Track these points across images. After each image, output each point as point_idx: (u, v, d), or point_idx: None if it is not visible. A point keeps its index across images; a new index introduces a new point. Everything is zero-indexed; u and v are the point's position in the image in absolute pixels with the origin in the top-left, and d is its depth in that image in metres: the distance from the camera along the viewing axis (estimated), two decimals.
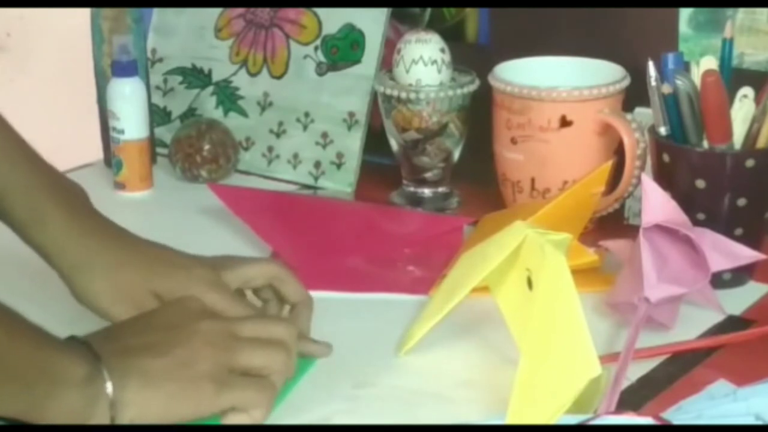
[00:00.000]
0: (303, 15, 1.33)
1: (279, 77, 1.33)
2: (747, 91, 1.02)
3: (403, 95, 1.19)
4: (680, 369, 0.91)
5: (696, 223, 1.00)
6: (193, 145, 1.29)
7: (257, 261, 0.96)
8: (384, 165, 1.28)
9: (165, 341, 0.82)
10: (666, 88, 1.01)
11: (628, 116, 1.12)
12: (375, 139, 1.28)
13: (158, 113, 1.38)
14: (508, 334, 0.88)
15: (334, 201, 1.23)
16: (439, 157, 1.22)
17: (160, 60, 1.40)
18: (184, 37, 1.39)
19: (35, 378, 0.76)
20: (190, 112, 1.38)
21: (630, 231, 1.06)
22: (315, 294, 0.96)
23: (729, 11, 1.16)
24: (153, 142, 1.32)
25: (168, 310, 0.87)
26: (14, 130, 0.93)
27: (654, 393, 0.88)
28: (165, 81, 1.39)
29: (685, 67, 1.03)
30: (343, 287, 1.05)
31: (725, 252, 0.96)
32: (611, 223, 1.15)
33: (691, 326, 0.97)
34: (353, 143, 1.28)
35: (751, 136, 1.02)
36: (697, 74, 1.01)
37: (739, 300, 1.02)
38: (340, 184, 1.28)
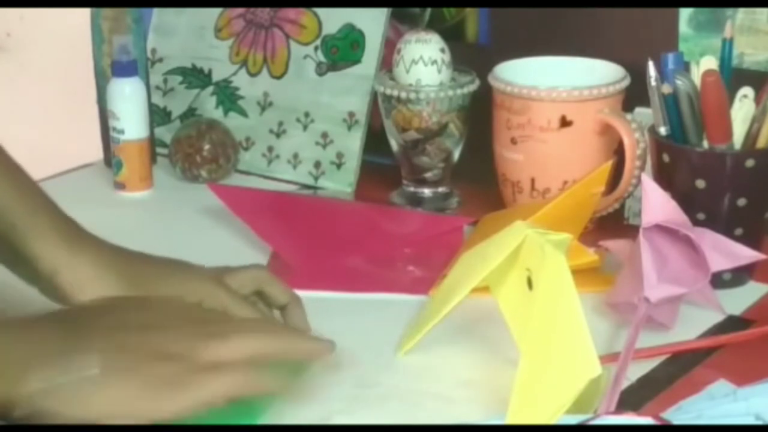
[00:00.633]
0: (303, 15, 1.33)
1: (279, 77, 1.33)
2: (747, 91, 1.02)
3: (403, 95, 1.19)
4: (680, 369, 0.91)
5: (696, 223, 1.00)
6: (193, 145, 1.29)
7: (244, 268, 0.94)
8: (384, 165, 1.28)
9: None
10: (666, 88, 1.01)
11: (628, 116, 1.12)
12: (375, 139, 1.28)
13: (158, 113, 1.38)
14: (508, 334, 0.88)
15: (334, 201, 1.23)
16: (439, 157, 1.22)
17: (160, 60, 1.40)
18: (184, 37, 1.39)
19: None
20: (190, 112, 1.38)
21: (630, 231, 1.06)
22: (315, 294, 0.96)
23: (729, 11, 1.16)
24: (153, 142, 1.32)
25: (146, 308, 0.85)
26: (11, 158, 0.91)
27: (654, 393, 0.88)
28: (165, 81, 1.39)
29: (685, 67, 1.03)
30: (343, 287, 1.05)
31: (725, 252, 0.96)
32: (611, 223, 1.15)
33: (691, 326, 0.97)
34: (353, 143, 1.28)
35: (751, 136, 1.02)
36: (697, 74, 1.01)
37: (739, 300, 1.02)
38: (340, 184, 1.28)
